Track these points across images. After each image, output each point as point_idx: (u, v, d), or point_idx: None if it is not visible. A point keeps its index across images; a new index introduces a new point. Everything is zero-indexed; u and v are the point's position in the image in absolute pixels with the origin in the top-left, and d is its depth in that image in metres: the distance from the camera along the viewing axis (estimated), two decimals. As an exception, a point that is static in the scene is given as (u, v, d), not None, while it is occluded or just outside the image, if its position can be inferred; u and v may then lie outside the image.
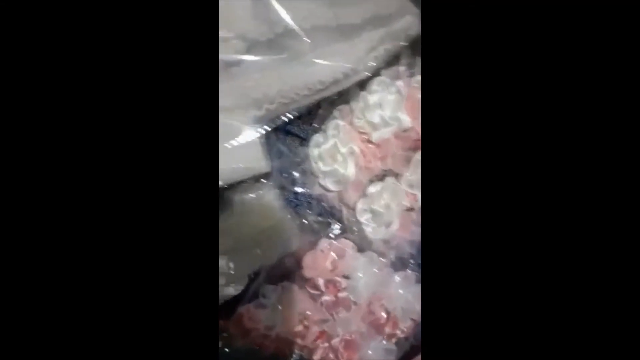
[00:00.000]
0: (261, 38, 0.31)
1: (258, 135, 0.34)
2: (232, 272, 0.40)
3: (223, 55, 0.30)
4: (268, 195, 0.40)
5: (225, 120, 0.32)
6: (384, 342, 0.44)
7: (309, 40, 0.32)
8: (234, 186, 0.38)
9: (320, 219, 0.42)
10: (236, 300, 0.41)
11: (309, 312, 0.42)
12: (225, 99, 0.32)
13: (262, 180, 0.39)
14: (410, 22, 0.36)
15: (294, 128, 0.41)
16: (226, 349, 0.42)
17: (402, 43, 0.37)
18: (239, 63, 0.31)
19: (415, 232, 0.43)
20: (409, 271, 0.44)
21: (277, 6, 0.30)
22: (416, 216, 0.43)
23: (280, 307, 0.41)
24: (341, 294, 0.41)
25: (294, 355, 0.42)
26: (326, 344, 0.43)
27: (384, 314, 0.43)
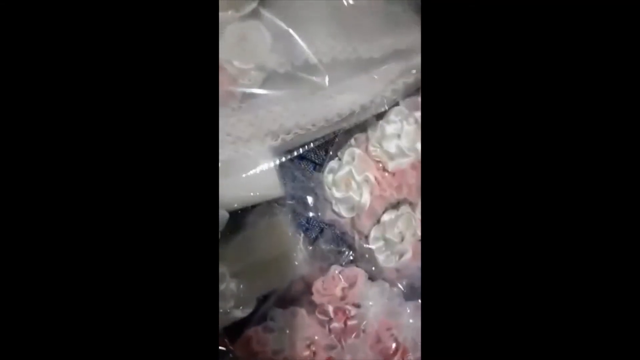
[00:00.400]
0: (280, 69, 0.31)
1: (272, 164, 0.34)
2: (241, 294, 0.40)
3: (241, 87, 0.31)
4: (280, 220, 0.40)
5: (241, 150, 0.33)
6: None
7: (328, 74, 0.32)
8: (246, 210, 0.39)
9: (331, 245, 0.42)
10: (244, 323, 0.41)
11: (317, 337, 0.41)
12: (242, 129, 0.33)
13: (275, 204, 0.39)
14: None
15: (309, 153, 0.41)
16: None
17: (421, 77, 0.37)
18: (257, 94, 0.31)
19: None
20: (419, 302, 0.43)
21: (298, 40, 0.30)
22: None
23: (288, 332, 0.41)
24: (350, 322, 0.41)
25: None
26: None
27: (393, 344, 0.42)
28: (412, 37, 0.34)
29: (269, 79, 0.32)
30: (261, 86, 0.32)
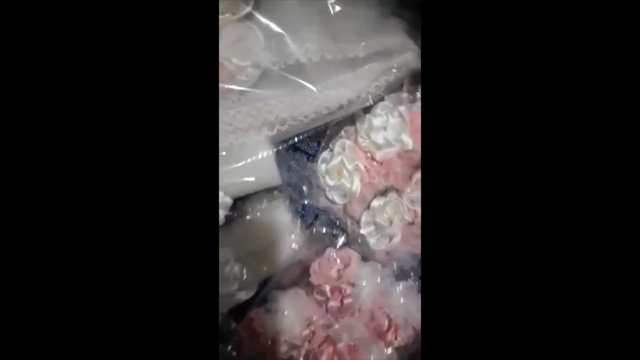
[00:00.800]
0: (273, 67, 0.34)
1: (271, 152, 0.37)
2: (244, 278, 0.42)
3: (239, 82, 0.34)
4: (278, 206, 0.42)
5: (240, 139, 0.36)
6: (386, 350, 0.45)
7: (317, 71, 0.35)
8: (247, 197, 0.41)
9: (326, 229, 0.44)
10: (247, 305, 0.43)
11: (315, 318, 0.43)
12: (241, 121, 0.36)
13: (273, 191, 0.41)
14: (410, 57, 0.40)
15: (303, 145, 0.43)
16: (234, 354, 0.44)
17: (402, 74, 0.40)
18: (254, 89, 0.34)
19: (415, 245, 0.45)
20: (410, 281, 0.45)
21: (289, 41, 0.33)
22: (417, 230, 0.44)
23: (287, 313, 0.43)
24: (346, 300, 0.43)
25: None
26: (331, 348, 0.44)
27: (386, 321, 0.44)
28: (392, 38, 0.38)
29: (265, 75, 0.35)
30: (257, 82, 0.35)
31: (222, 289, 0.41)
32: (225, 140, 0.35)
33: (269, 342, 0.43)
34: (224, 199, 0.37)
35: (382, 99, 0.42)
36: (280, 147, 0.39)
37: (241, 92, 0.35)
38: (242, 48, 0.32)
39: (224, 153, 0.35)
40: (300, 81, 0.35)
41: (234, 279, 0.42)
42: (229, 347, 0.43)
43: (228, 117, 0.34)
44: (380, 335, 0.44)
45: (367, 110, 0.42)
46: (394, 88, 0.42)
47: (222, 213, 0.38)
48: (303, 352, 0.43)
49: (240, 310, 0.43)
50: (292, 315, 0.43)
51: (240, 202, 0.41)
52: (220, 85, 0.34)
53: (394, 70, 0.39)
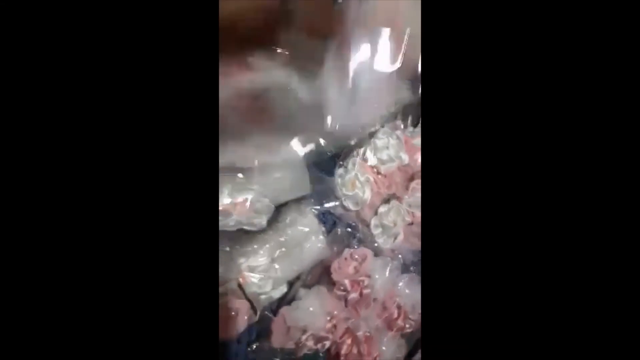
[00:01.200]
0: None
1: (304, 166, 0.46)
2: (278, 277, 0.48)
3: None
4: (307, 213, 0.49)
5: (282, 155, 0.45)
6: (395, 337, 0.52)
7: (342, 105, 0.46)
8: (281, 205, 0.48)
9: (344, 232, 0.51)
10: (279, 303, 0.49)
11: (336, 312, 0.49)
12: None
13: (302, 201, 0.49)
14: (404, 95, 0.53)
15: (322, 164, 0.52)
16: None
17: (398, 108, 0.52)
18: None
19: (414, 242, 0.53)
20: (413, 274, 0.53)
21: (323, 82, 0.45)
22: (415, 229, 0.53)
23: (312, 308, 0.49)
24: (365, 291, 0.49)
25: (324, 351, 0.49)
26: (350, 339, 0.50)
27: (396, 310, 0.51)
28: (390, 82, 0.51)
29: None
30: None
31: (261, 288, 0.48)
32: (269, 156, 0.44)
33: (299, 335, 0.48)
34: (270, 205, 0.45)
35: (382, 126, 0.53)
36: (309, 163, 0.48)
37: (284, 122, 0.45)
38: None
39: (269, 162, 0.44)
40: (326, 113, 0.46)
41: (269, 278, 0.48)
42: (266, 342, 0.48)
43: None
44: (390, 324, 0.51)
45: (371, 135, 0.53)
46: (390, 120, 0.54)
47: (265, 217, 0.45)
48: (327, 344, 0.49)
49: (274, 308, 0.49)
50: (316, 310, 0.49)
51: (275, 210, 0.48)
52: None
53: (393, 105, 0.51)
